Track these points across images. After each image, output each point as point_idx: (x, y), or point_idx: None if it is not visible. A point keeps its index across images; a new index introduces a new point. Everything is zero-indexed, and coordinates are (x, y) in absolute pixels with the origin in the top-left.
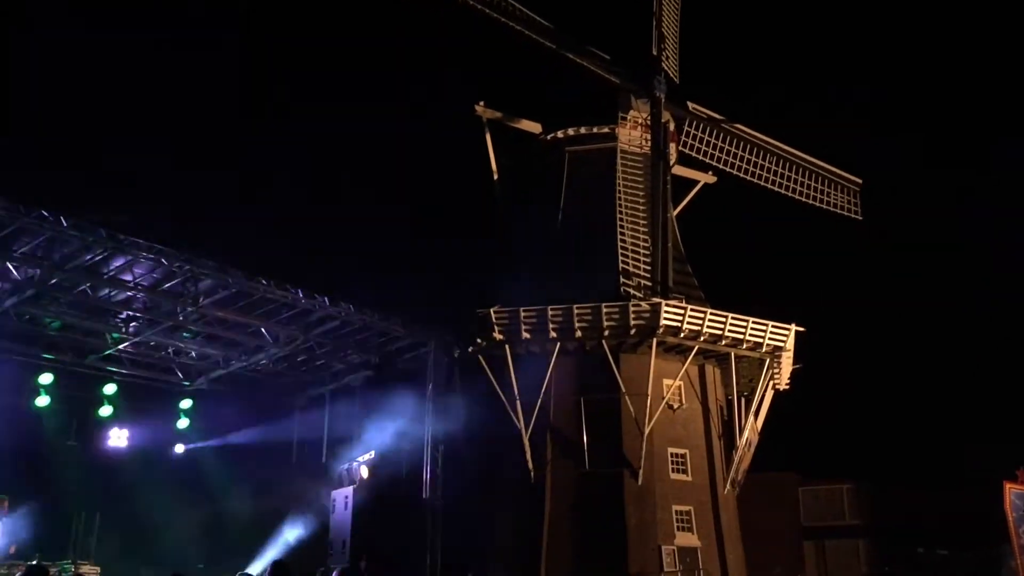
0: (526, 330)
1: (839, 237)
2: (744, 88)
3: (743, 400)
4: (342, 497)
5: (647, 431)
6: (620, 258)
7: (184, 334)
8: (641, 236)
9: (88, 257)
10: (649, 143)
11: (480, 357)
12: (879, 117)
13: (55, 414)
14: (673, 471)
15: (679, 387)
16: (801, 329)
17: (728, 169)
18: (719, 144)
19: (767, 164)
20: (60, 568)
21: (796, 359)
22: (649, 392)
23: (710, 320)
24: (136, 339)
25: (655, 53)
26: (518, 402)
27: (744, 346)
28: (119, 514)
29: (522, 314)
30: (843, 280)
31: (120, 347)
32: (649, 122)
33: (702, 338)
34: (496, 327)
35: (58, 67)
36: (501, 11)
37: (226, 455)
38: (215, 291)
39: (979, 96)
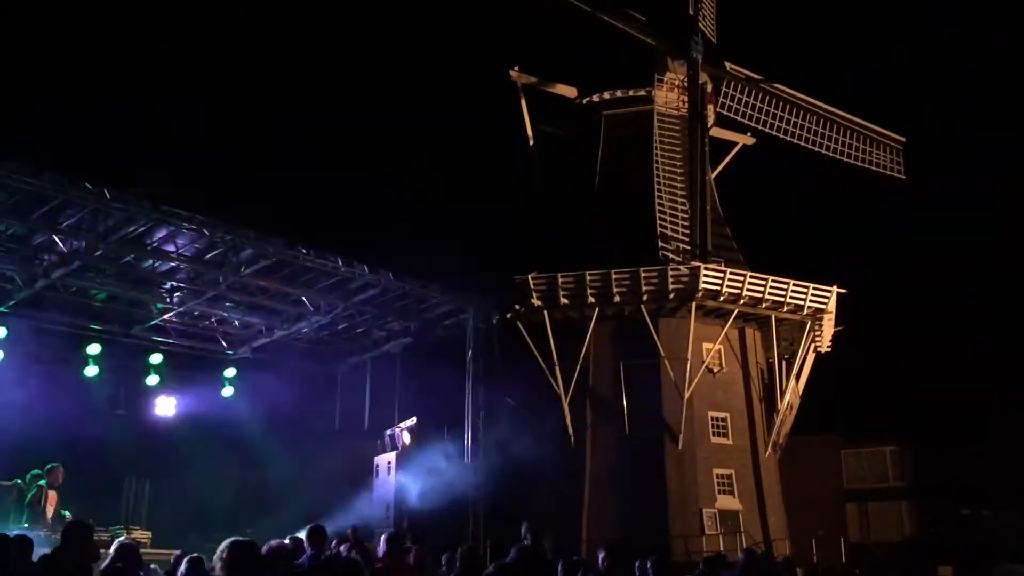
0: (564, 296)
1: (881, 197)
2: (783, 46)
3: (784, 363)
4: (385, 463)
5: (687, 395)
6: (658, 222)
7: (227, 304)
8: (679, 199)
9: (132, 229)
10: (686, 105)
11: (518, 323)
12: (923, 73)
13: (104, 384)
14: (714, 435)
15: (719, 351)
16: (843, 291)
17: (767, 130)
18: (758, 104)
19: (807, 124)
20: (113, 533)
21: (838, 321)
22: (689, 356)
23: (750, 283)
24: (180, 309)
25: (691, 13)
26: (557, 368)
27: (785, 309)
28: (168, 481)
29: (560, 280)
30: (885, 240)
31: (165, 317)
32: (686, 84)
33: (742, 301)
34: (534, 293)
35: (93, 36)
36: None
37: (270, 423)
38: (256, 260)
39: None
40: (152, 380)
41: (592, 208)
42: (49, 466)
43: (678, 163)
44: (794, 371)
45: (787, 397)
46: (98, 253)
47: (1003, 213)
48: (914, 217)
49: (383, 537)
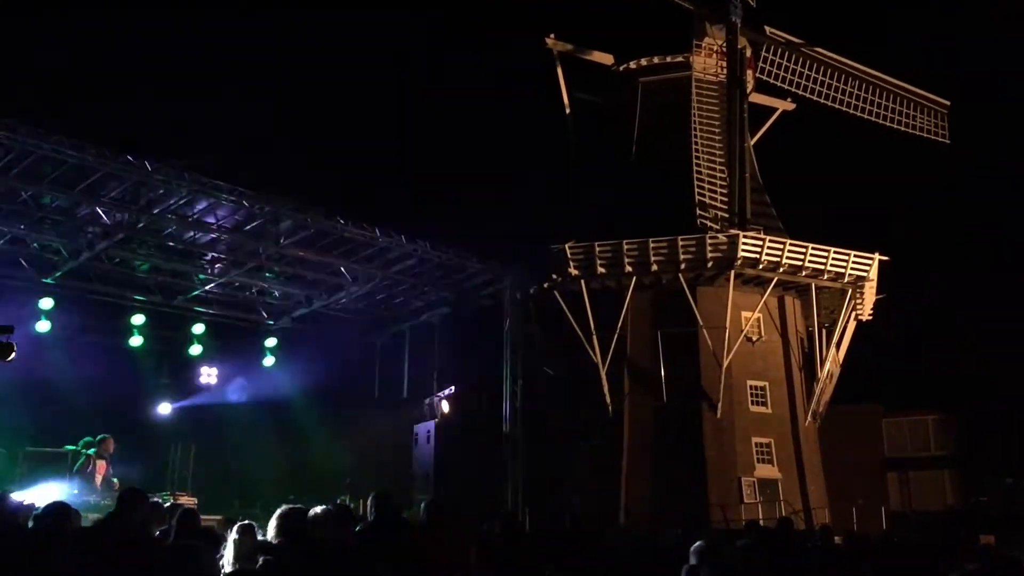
0: (601, 265)
1: (924, 162)
2: (824, 9)
3: (824, 332)
4: (424, 431)
5: (725, 364)
6: (696, 190)
7: (267, 274)
8: (717, 167)
9: (173, 201)
10: (725, 71)
11: (556, 292)
12: (968, 35)
13: (148, 354)
14: (752, 403)
15: (758, 319)
16: (885, 258)
17: (807, 95)
18: (798, 69)
19: (849, 88)
20: (160, 499)
21: (879, 289)
22: (727, 325)
23: (789, 251)
24: (221, 280)
25: None
26: (594, 336)
27: (825, 277)
28: (212, 449)
29: (597, 249)
30: (928, 207)
31: (207, 288)
32: (725, 49)
33: (781, 269)
34: (571, 263)
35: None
36: None
37: (310, 392)
38: (295, 231)
39: None
40: (195, 350)
41: (629, 176)
42: (100, 437)
43: (716, 130)
44: (834, 340)
45: (827, 366)
46: (140, 225)
47: None
48: (958, 182)
49: (423, 504)
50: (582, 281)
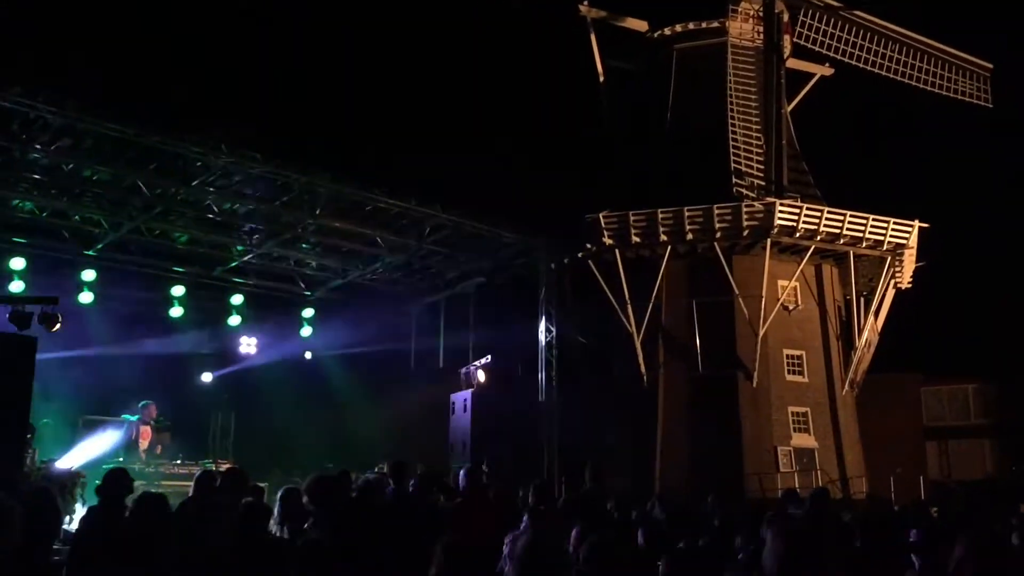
0: (636, 234)
1: (966, 127)
2: None
3: (862, 300)
4: (461, 400)
5: (761, 333)
6: (732, 157)
7: (303, 245)
8: (754, 134)
9: (211, 173)
10: (762, 36)
11: (590, 262)
12: None
13: (189, 324)
14: (789, 373)
15: (795, 288)
16: (924, 225)
17: (846, 59)
18: (836, 33)
19: (888, 52)
20: (203, 466)
21: (919, 256)
22: (763, 294)
23: (827, 219)
24: (259, 251)
25: None
26: (629, 306)
27: (863, 244)
28: (252, 418)
29: (631, 218)
30: (970, 172)
31: (245, 259)
32: (761, 13)
33: (819, 237)
34: (606, 232)
35: None
36: None
37: (347, 361)
38: (330, 202)
39: None
40: (234, 320)
41: (664, 144)
42: (142, 403)
43: (753, 96)
44: (873, 308)
45: (865, 334)
46: (179, 197)
47: None
48: (1000, 148)
49: (462, 472)
50: (616, 250)
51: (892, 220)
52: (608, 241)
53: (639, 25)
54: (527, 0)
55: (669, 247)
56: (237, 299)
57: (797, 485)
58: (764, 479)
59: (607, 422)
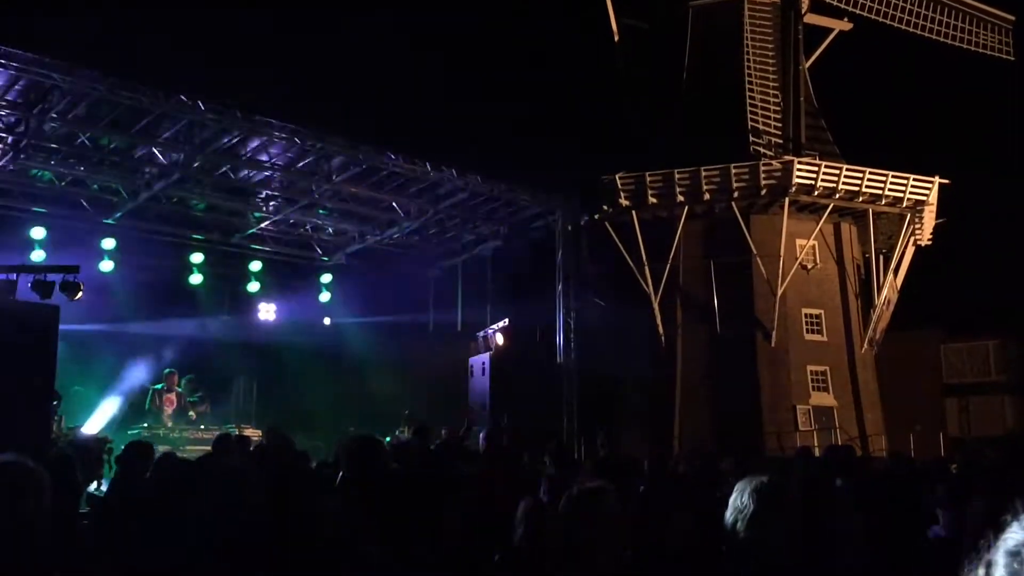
0: (652, 195)
1: (987, 81)
2: None
3: (882, 258)
4: (479, 363)
5: (780, 292)
6: (749, 116)
7: (320, 211)
8: (771, 91)
9: (226, 140)
10: None
11: (607, 224)
12: None
13: (208, 291)
14: (808, 332)
15: (813, 247)
16: (945, 181)
17: (865, 14)
18: None
19: (908, 5)
20: (226, 431)
21: (939, 213)
22: (782, 253)
23: (846, 176)
24: (276, 217)
25: None
26: (646, 267)
27: (883, 202)
28: (273, 383)
29: (648, 179)
30: (991, 127)
31: (262, 226)
32: None
33: (837, 195)
34: (622, 193)
35: None
36: None
37: (366, 326)
38: (346, 167)
39: None
40: (253, 287)
41: (680, 103)
42: (166, 371)
43: (770, 53)
44: (892, 266)
45: (884, 293)
46: (196, 164)
47: None
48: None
49: (482, 434)
50: (633, 212)
51: (912, 177)
52: (625, 202)
53: None
54: None
55: (686, 207)
56: (256, 266)
57: (816, 443)
58: (783, 437)
59: (626, 384)
